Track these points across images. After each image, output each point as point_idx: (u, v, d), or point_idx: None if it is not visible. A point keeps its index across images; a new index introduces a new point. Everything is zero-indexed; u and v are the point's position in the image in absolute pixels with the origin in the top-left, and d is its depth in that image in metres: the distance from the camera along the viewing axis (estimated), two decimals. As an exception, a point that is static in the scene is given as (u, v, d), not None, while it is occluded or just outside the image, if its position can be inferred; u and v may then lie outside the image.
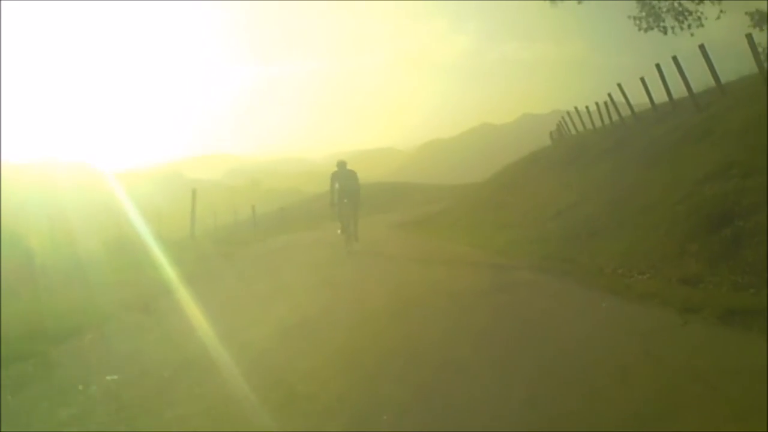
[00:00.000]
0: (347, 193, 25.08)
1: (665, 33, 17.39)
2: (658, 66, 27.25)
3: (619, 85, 33.86)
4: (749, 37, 20.61)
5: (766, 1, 17.78)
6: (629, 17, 17.54)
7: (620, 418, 5.66)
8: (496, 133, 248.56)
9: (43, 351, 10.02)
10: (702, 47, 21.45)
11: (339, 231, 24.88)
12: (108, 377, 8.39)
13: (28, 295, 15.40)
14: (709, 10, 17.06)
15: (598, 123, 40.46)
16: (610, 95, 36.67)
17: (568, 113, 47.32)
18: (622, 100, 34.42)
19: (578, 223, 19.57)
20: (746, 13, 19.03)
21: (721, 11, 16.86)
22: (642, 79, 30.10)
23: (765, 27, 20.56)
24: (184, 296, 15.13)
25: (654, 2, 16.47)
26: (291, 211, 63.02)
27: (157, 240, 24.01)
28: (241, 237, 36.57)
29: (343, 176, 25.41)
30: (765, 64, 20.06)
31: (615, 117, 37.07)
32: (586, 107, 42.47)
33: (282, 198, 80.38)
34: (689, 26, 17.05)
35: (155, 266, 19.43)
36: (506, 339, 8.92)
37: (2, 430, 6.37)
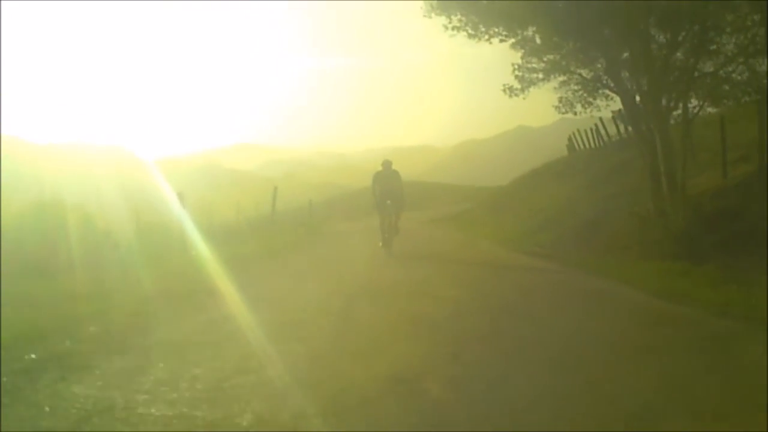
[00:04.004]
0: (390, 195, 26.56)
1: (575, 114, 29.27)
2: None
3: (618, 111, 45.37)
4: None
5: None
6: (552, 106, 29.37)
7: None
8: (532, 136, 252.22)
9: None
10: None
11: (380, 243, 26.51)
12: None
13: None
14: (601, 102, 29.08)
15: (599, 139, 53.13)
16: (601, 119, 48.68)
17: (588, 127, 59.36)
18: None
19: (538, 223, 32.49)
20: (614, 111, 31.24)
21: (607, 104, 28.74)
22: (614, 118, 43.44)
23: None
24: (309, 246, 32.05)
25: (568, 97, 28.49)
26: (329, 204, 73.63)
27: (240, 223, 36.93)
28: (303, 224, 44.61)
29: (386, 177, 26.77)
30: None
31: (606, 138, 50.26)
32: (599, 118, 52.24)
33: (317, 191, 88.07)
34: (590, 110, 29.05)
35: (272, 235, 33.60)
36: (460, 259, 22.53)
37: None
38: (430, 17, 26.40)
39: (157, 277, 18.74)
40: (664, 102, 24.39)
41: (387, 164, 27.03)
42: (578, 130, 59.36)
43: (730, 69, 24.53)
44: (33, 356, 9.73)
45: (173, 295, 15.94)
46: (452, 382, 8.10)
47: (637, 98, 25.49)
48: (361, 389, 7.88)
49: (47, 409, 7.43)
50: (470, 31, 26.05)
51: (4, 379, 8.56)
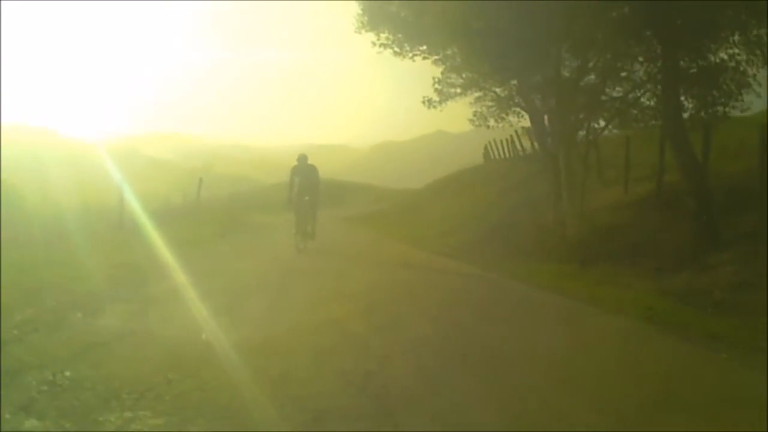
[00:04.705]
0: (307, 190, 27.00)
1: (488, 128, 32.16)
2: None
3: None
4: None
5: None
6: (467, 119, 32.17)
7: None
8: (450, 141, 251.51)
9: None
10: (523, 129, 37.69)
11: (294, 231, 26.77)
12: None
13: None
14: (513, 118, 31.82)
15: (513, 150, 55.58)
16: (516, 131, 50.92)
17: (497, 140, 62.20)
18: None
19: (449, 227, 35.28)
20: (523, 128, 34.39)
21: (519, 120, 31.62)
22: (528, 130, 46.46)
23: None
24: (237, 236, 34.78)
25: (482, 111, 31.27)
26: (248, 197, 74.25)
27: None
28: (227, 215, 47.17)
29: (303, 171, 27.19)
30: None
31: (521, 150, 52.97)
32: (515, 131, 51.22)
33: (236, 184, 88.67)
34: (502, 125, 31.93)
35: (201, 224, 36.25)
36: (374, 254, 25.73)
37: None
38: (360, 33, 29.38)
39: (109, 252, 21.60)
40: (571, 122, 27.53)
41: (302, 158, 27.57)
42: (494, 140, 61.58)
43: (638, 94, 27.18)
44: (51, 304, 12.88)
45: (132, 267, 18.84)
46: (369, 323, 12.37)
47: (546, 118, 28.69)
48: (308, 325, 12.05)
49: (88, 332, 10.84)
50: (396, 49, 29.05)
51: (45, 317, 11.74)
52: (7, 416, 7.39)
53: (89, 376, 8.57)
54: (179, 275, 17.51)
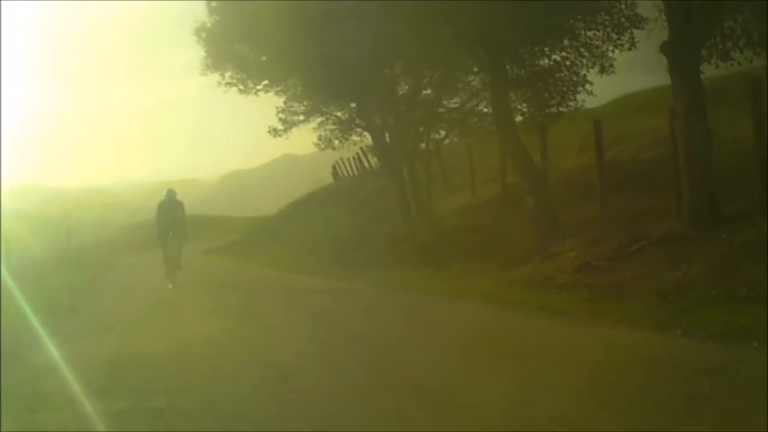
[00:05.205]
0: (172, 226, 27.09)
1: (334, 149, 33.35)
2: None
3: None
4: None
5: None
6: (313, 143, 33.30)
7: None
8: (299, 163, 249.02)
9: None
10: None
11: (164, 267, 26.88)
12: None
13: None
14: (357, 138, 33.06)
15: (361, 167, 56.75)
16: (362, 149, 51.28)
17: (343, 159, 63.18)
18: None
19: (306, 248, 36.73)
20: (366, 146, 35.57)
21: (362, 140, 32.99)
22: (372, 148, 47.44)
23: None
24: (113, 278, 35.37)
25: (326, 134, 32.46)
26: (108, 241, 73.77)
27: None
28: (97, 260, 48.55)
29: (170, 207, 27.31)
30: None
31: (368, 166, 53.89)
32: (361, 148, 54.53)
33: (96, 228, 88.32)
34: (347, 146, 33.21)
35: (77, 271, 36.51)
36: (240, 280, 26.81)
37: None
38: (206, 74, 30.64)
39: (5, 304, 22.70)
40: (410, 136, 29.31)
41: (170, 193, 27.61)
42: (342, 159, 62.25)
43: (475, 103, 28.97)
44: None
45: (36, 312, 19.32)
46: (256, 327, 15.12)
47: (387, 134, 30.39)
48: (207, 334, 14.57)
49: (35, 364, 12.86)
50: (241, 87, 30.17)
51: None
52: (24, 414, 9.21)
53: (57, 388, 10.62)
54: (80, 315, 19.83)
